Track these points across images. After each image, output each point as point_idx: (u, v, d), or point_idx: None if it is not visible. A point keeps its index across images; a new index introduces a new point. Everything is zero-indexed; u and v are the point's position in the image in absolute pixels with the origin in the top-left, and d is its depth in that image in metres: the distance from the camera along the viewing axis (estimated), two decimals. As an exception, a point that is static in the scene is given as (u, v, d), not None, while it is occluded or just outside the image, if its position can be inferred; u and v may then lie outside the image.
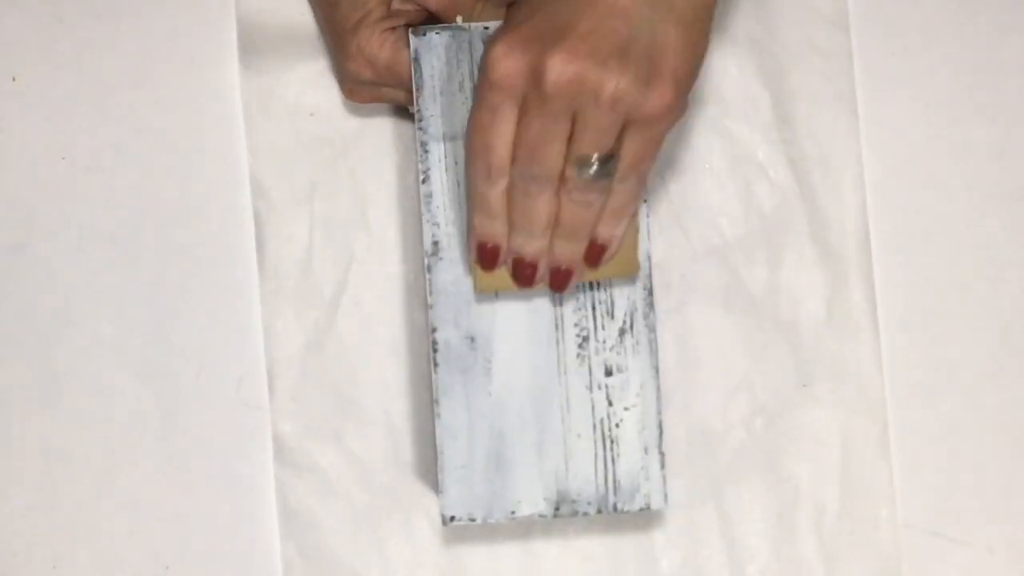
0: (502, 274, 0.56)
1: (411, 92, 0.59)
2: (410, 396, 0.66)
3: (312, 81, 0.67)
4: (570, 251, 0.56)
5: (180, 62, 0.68)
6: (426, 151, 0.58)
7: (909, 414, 0.67)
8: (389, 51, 0.60)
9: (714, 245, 0.67)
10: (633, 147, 0.53)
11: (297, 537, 0.65)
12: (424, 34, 0.58)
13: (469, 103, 0.58)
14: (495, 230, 0.56)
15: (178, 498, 0.66)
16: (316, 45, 0.67)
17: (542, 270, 0.56)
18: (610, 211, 0.55)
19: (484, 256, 0.56)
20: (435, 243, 0.58)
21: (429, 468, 0.65)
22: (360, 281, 0.67)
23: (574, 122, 0.52)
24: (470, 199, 0.56)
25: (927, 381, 0.67)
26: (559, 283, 0.56)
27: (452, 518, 0.58)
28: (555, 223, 0.55)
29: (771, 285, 0.67)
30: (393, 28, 0.60)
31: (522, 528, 0.65)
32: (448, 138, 0.58)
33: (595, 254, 0.56)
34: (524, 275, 0.56)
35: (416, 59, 0.58)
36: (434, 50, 0.58)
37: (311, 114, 0.67)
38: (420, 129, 0.58)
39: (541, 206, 0.54)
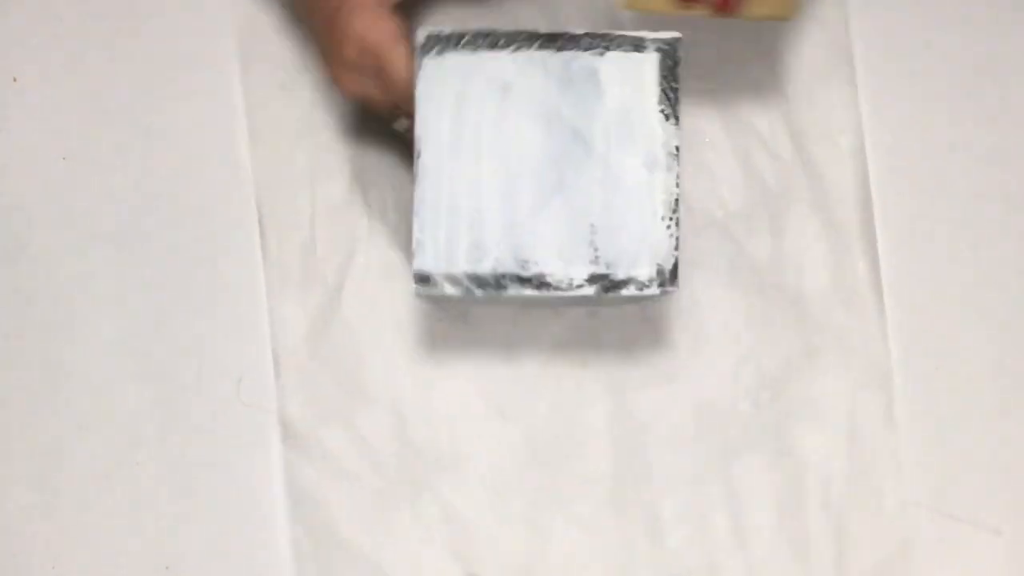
0: None
1: (394, 92, 0.57)
2: (416, 377, 0.66)
3: (309, 67, 0.67)
4: None
5: (180, 61, 0.68)
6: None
7: (915, 382, 0.66)
8: (378, 33, 0.57)
9: (716, 217, 0.67)
10: None
11: (306, 520, 0.65)
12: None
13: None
14: None
15: (179, 497, 0.65)
16: (305, 39, 0.67)
17: None
18: None
19: None
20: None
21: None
22: (363, 264, 0.67)
23: None
24: None
25: (933, 349, 0.67)
26: None
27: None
28: None
29: (775, 256, 0.67)
30: (387, 12, 0.58)
31: (531, 507, 0.65)
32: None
33: None
34: None
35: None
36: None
37: (308, 99, 0.67)
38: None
39: None
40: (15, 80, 0.67)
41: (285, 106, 0.67)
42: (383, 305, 0.66)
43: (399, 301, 0.66)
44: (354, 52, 0.59)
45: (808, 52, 0.67)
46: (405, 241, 0.66)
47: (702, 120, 0.67)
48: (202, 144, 0.67)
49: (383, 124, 0.64)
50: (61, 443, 0.66)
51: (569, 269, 0.55)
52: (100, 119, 0.67)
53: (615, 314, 0.66)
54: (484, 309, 0.66)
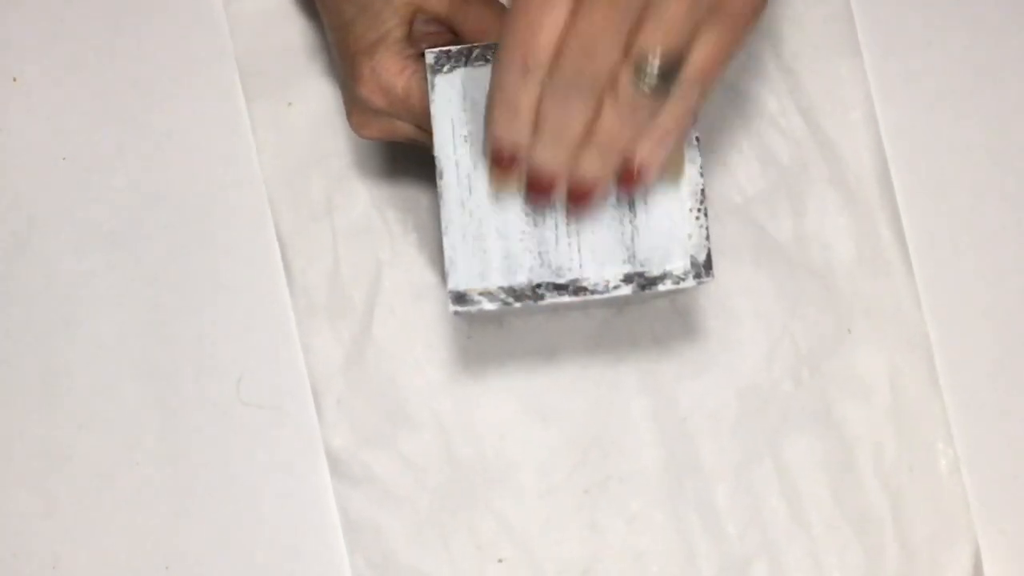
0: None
1: (428, 130, 0.54)
2: (455, 392, 0.66)
3: (314, 98, 0.67)
4: (597, 167, 0.47)
5: (181, 62, 0.68)
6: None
7: (953, 342, 0.66)
8: (407, 79, 0.54)
9: (736, 204, 0.66)
10: (707, 48, 0.44)
11: (364, 549, 0.65)
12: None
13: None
14: (515, 133, 0.47)
15: (179, 497, 0.65)
16: (311, 62, 0.67)
17: (560, 189, 0.48)
18: (658, 129, 0.46)
19: (498, 159, 0.48)
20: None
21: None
22: (390, 287, 0.66)
23: (641, 13, 0.43)
24: (492, 88, 0.47)
25: (966, 308, 0.66)
26: (578, 199, 0.48)
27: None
28: (588, 134, 0.46)
29: (798, 234, 0.66)
30: (415, 55, 0.54)
31: (585, 508, 0.65)
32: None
33: (627, 178, 0.48)
34: (538, 193, 0.48)
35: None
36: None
37: (316, 130, 0.67)
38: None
39: (578, 115, 0.45)
40: (15, 80, 0.67)
41: (291, 136, 0.67)
42: (415, 325, 0.66)
43: (430, 319, 0.66)
44: (381, 100, 0.55)
45: (810, 26, 0.67)
46: (430, 260, 0.66)
47: (711, 106, 0.67)
48: (202, 144, 0.67)
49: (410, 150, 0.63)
50: (61, 443, 0.66)
51: (604, 271, 0.54)
52: (100, 119, 0.67)
53: (645, 308, 0.66)
54: (516, 316, 0.66)
